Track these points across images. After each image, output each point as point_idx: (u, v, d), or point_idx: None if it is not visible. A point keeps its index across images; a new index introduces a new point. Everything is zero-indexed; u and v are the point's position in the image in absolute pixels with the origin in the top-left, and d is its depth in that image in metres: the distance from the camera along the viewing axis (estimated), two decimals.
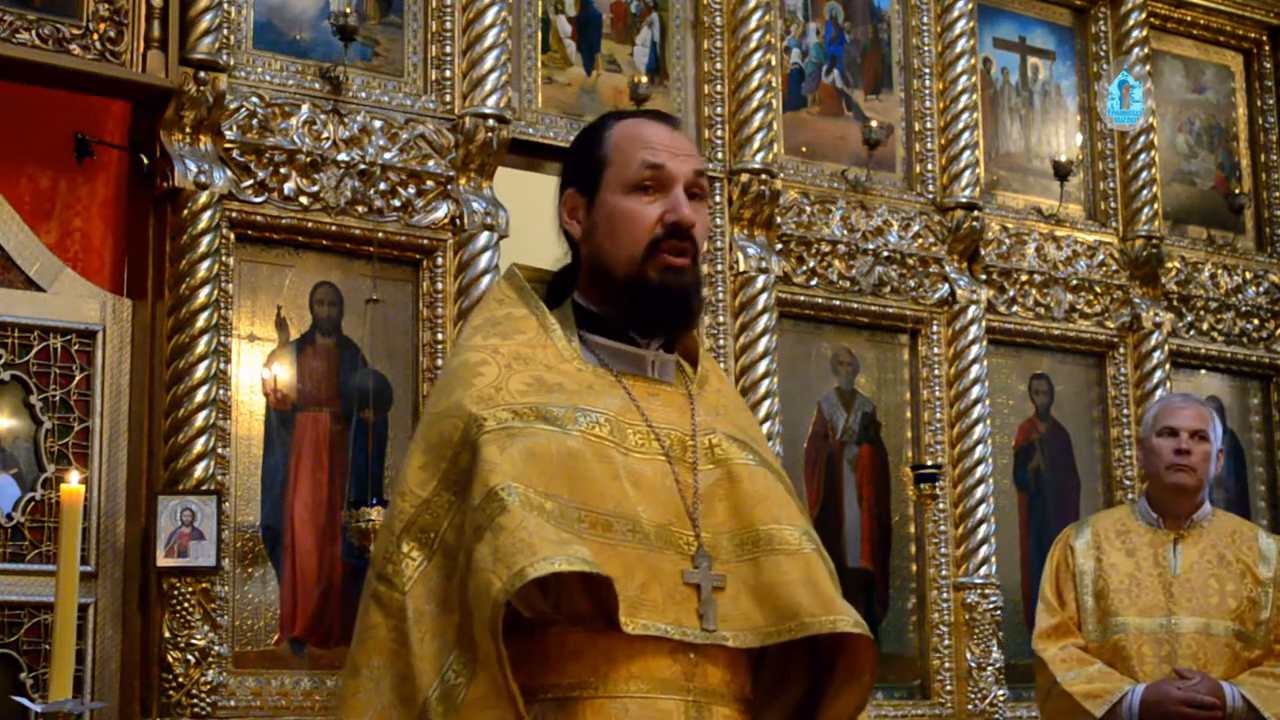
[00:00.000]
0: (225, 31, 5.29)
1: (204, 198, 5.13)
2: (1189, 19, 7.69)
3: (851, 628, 2.31)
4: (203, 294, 5.09)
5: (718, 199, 6.21)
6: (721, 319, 6.14)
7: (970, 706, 6.38)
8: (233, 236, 5.26)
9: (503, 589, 2.11)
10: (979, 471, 6.53)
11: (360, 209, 5.46)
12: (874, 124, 6.59)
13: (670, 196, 2.40)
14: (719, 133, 6.26)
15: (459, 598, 2.21)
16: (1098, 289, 7.11)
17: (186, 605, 4.96)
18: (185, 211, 5.11)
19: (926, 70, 6.82)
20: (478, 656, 2.15)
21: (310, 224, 5.38)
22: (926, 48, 6.83)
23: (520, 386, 2.34)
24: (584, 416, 2.32)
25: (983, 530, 6.49)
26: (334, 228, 5.42)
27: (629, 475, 2.31)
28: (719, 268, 6.17)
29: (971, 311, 6.64)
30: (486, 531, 2.17)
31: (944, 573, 6.48)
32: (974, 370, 6.60)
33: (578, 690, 2.25)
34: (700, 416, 2.46)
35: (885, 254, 6.56)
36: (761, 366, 6.10)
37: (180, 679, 4.92)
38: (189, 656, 4.94)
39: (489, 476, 2.22)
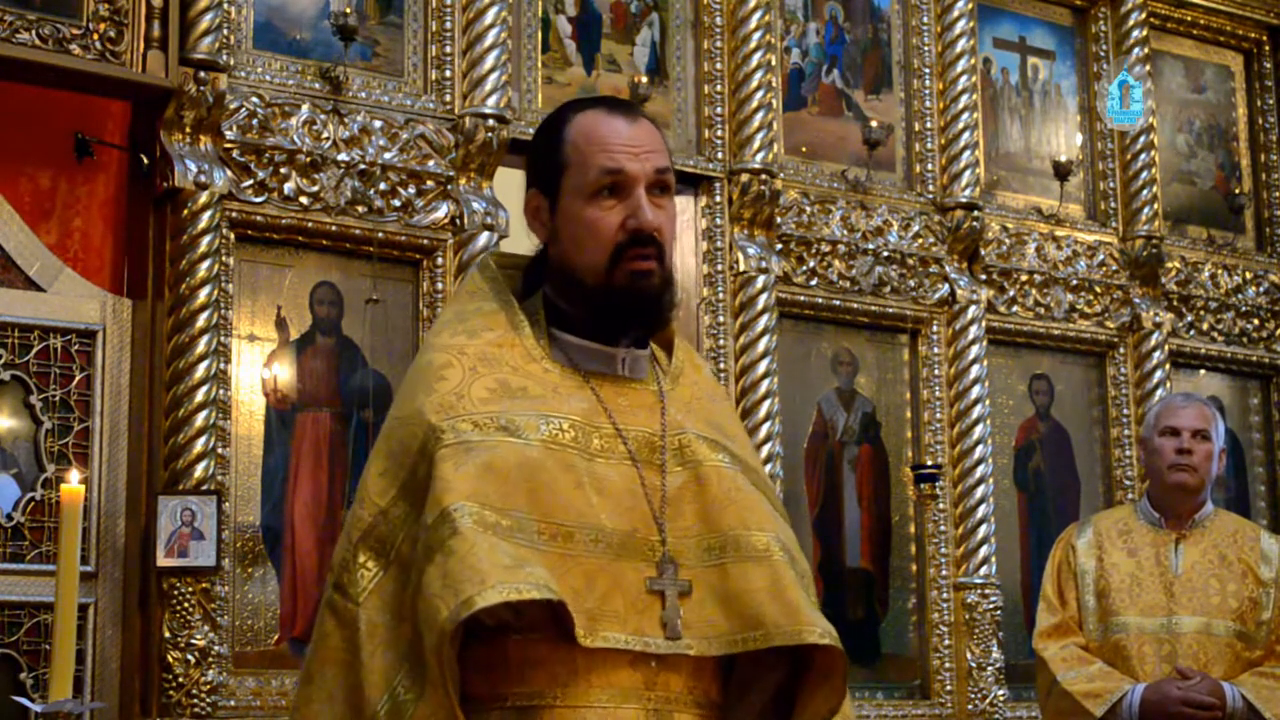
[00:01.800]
0: (225, 31, 5.29)
1: (204, 198, 5.13)
2: (1189, 19, 7.69)
3: (818, 639, 2.27)
4: (203, 294, 5.09)
5: (718, 199, 6.21)
6: (721, 319, 6.14)
7: (970, 706, 6.38)
8: (233, 236, 5.26)
9: (449, 618, 2.09)
10: (979, 471, 6.53)
11: (360, 209, 5.46)
12: (874, 124, 6.59)
13: (631, 200, 2.33)
14: (719, 133, 6.26)
15: (410, 613, 2.19)
16: (1098, 289, 7.11)
17: (186, 605, 4.96)
18: (185, 211, 5.11)
19: (926, 70, 6.82)
20: (427, 675, 2.13)
21: (310, 224, 5.38)
22: (926, 48, 6.83)
23: (483, 393, 2.30)
24: (546, 424, 2.29)
25: (983, 530, 6.49)
26: (334, 228, 5.42)
27: (592, 482, 2.28)
28: (719, 268, 6.17)
29: (971, 311, 6.64)
30: (437, 554, 2.15)
31: (944, 573, 6.48)
32: (974, 370, 6.60)
33: (538, 699, 2.22)
34: (671, 415, 2.41)
35: (885, 254, 6.56)
36: (761, 366, 6.09)
37: (180, 679, 4.92)
38: (189, 656, 4.94)
39: (443, 496, 2.19)
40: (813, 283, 6.41)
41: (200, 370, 5.06)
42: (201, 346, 5.07)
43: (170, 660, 4.93)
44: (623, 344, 2.42)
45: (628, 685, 2.25)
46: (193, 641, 4.95)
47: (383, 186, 5.50)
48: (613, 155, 2.35)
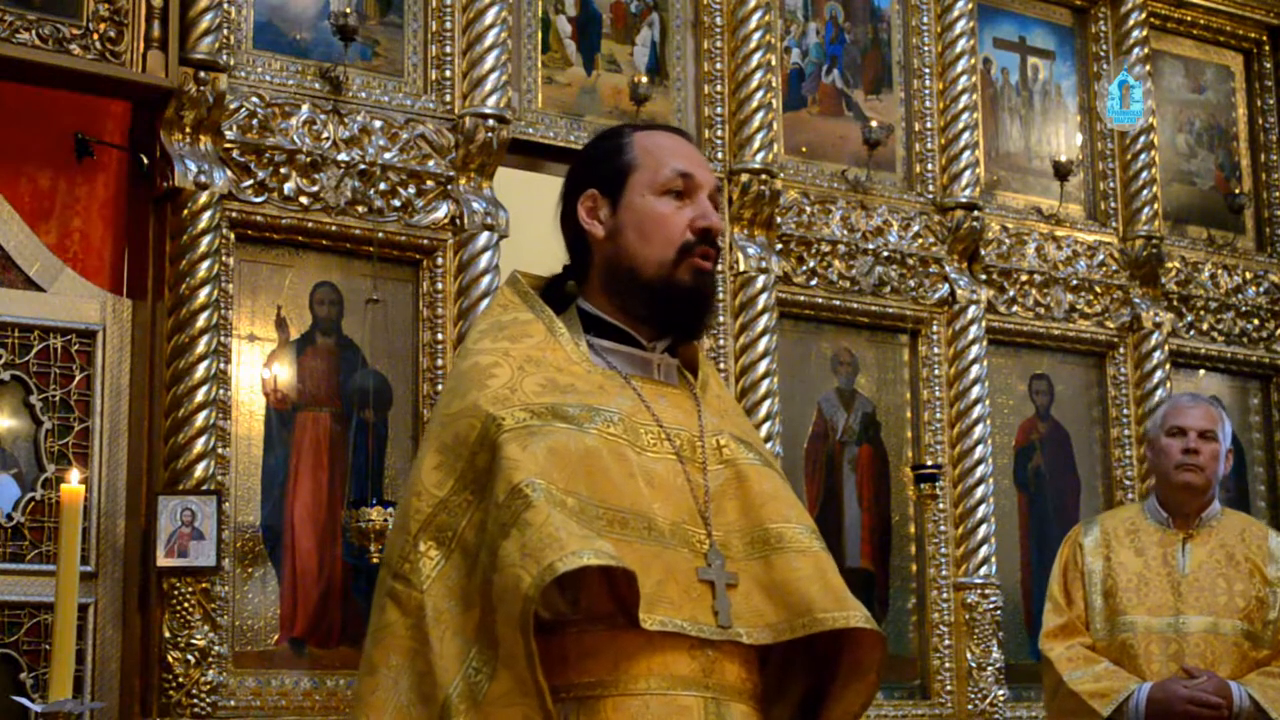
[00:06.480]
0: (225, 31, 5.28)
1: (204, 198, 5.12)
2: (1189, 19, 7.69)
3: (863, 623, 2.35)
4: (203, 294, 5.09)
5: None
6: (721, 319, 6.13)
7: (970, 706, 6.38)
8: (233, 236, 5.26)
9: (533, 584, 2.12)
10: (979, 471, 6.52)
11: (360, 209, 5.45)
12: (874, 124, 6.58)
13: (698, 203, 2.48)
14: (719, 133, 6.26)
15: (480, 595, 2.22)
16: (1098, 289, 7.11)
17: (186, 605, 4.95)
18: (185, 211, 5.11)
19: (926, 70, 6.81)
20: (499, 653, 2.16)
21: (310, 224, 5.38)
22: (926, 48, 6.83)
23: (534, 388, 2.36)
24: (598, 416, 2.35)
25: (983, 530, 6.49)
26: (334, 228, 5.42)
27: (643, 474, 2.34)
28: (719, 268, 6.16)
29: (971, 311, 6.64)
30: (512, 528, 2.18)
31: (944, 573, 6.47)
32: (974, 370, 6.60)
33: (598, 689, 2.26)
34: (707, 418, 2.49)
35: (885, 254, 6.56)
36: (761, 366, 6.09)
37: (180, 679, 4.92)
38: (189, 656, 4.93)
39: (512, 474, 2.24)
40: (813, 283, 6.41)
41: (200, 370, 5.05)
42: (201, 346, 5.07)
43: (170, 660, 4.92)
44: (657, 351, 2.51)
45: (686, 673, 2.29)
46: (193, 641, 4.94)
47: (383, 186, 5.49)
48: (683, 161, 2.49)
